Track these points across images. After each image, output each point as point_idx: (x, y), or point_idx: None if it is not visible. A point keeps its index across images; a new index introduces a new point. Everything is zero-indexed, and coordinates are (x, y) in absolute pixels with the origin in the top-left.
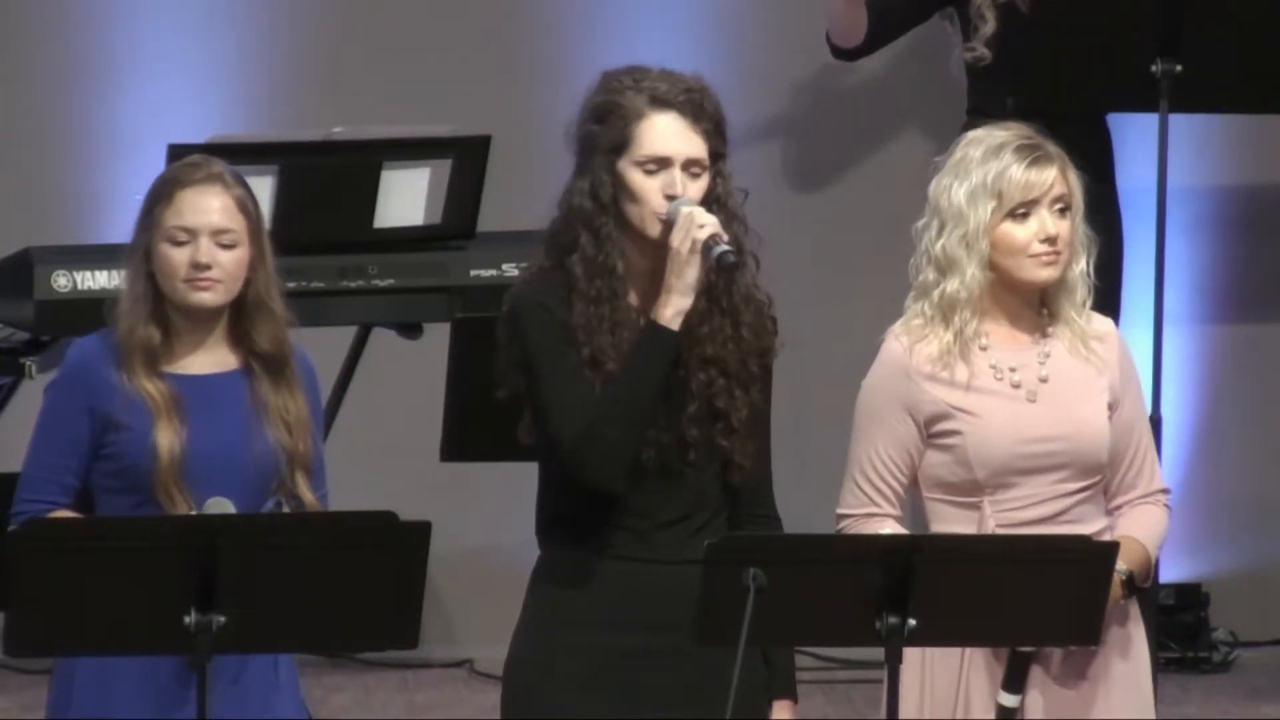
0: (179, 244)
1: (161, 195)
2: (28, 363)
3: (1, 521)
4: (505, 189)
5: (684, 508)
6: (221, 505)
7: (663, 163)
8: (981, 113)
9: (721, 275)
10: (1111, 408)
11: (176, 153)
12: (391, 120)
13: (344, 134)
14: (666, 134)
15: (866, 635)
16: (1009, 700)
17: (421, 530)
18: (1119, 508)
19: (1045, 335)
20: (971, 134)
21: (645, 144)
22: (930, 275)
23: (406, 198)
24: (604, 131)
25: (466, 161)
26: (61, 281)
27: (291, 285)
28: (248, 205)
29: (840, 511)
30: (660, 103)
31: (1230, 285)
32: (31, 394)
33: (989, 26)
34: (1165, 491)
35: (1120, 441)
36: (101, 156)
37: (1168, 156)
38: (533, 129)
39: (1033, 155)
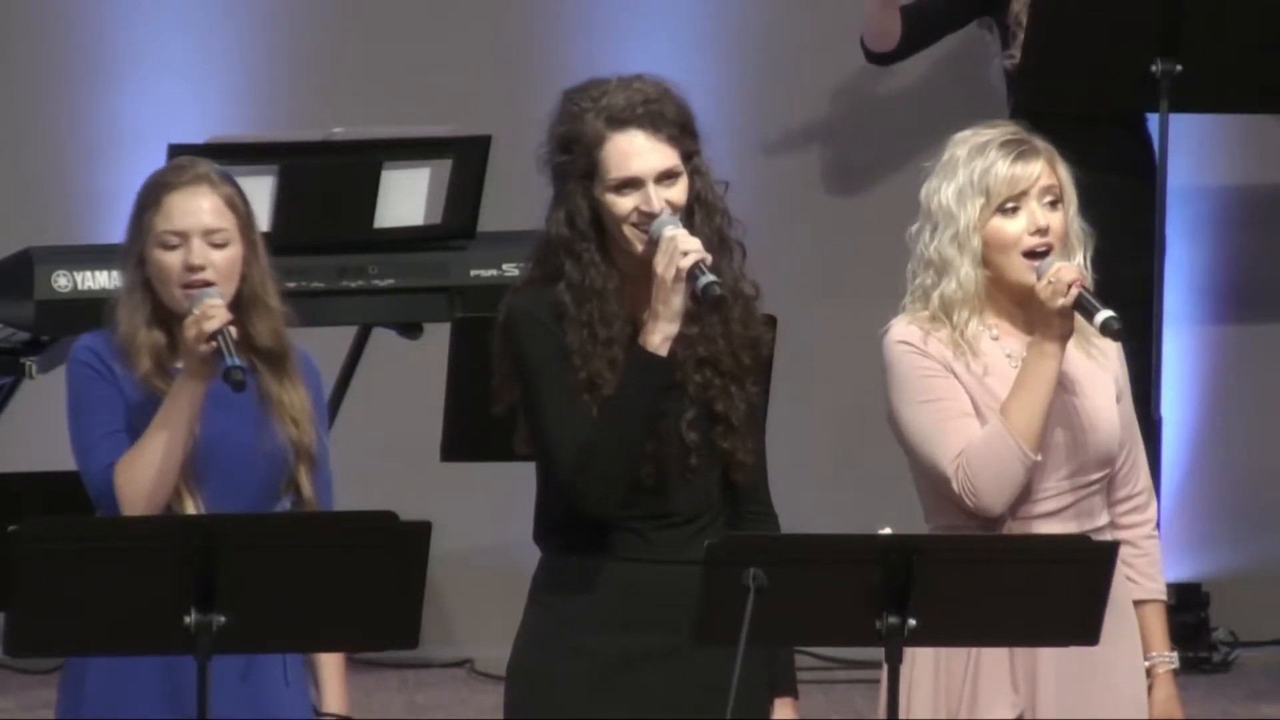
0: (171, 248)
1: (149, 201)
2: (28, 363)
3: (3, 523)
4: (505, 189)
5: (685, 509)
6: (206, 296)
7: (633, 183)
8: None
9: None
10: (1117, 401)
11: (177, 153)
12: (391, 120)
13: (344, 134)
14: (630, 154)
15: (866, 635)
16: (1106, 313)
17: (421, 530)
18: (1115, 504)
19: None
20: (958, 135)
21: (612, 168)
22: (928, 279)
23: (406, 198)
24: (571, 161)
25: (466, 161)
26: (61, 281)
27: (291, 285)
28: (236, 203)
29: (947, 462)
30: (618, 122)
31: (1230, 285)
32: (32, 394)
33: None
34: (1150, 491)
35: (1123, 435)
36: (101, 156)
37: (1168, 156)
38: (533, 129)
39: (1018, 150)
